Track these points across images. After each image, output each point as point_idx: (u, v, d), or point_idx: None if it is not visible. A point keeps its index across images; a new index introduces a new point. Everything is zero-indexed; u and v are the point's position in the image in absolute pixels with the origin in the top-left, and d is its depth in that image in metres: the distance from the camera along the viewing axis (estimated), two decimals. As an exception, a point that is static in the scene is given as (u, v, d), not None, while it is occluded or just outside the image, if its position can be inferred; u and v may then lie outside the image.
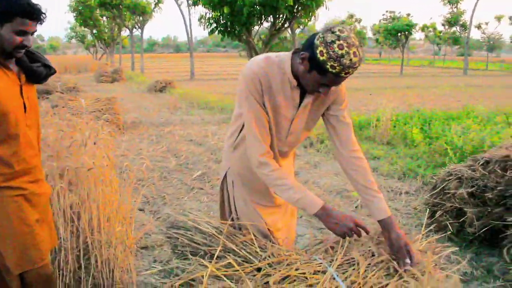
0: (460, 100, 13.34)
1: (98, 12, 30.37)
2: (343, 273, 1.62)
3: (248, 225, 1.96)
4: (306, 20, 11.77)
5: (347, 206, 4.23)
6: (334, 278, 1.59)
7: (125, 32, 32.98)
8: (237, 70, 31.89)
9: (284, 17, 10.97)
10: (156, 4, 27.87)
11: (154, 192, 4.42)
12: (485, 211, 3.09)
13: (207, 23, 10.94)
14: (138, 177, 4.27)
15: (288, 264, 1.71)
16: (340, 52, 1.52)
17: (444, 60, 58.34)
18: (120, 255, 2.44)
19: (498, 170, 3.12)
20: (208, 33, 11.29)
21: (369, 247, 1.74)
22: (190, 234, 1.98)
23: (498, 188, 3.05)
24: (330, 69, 1.55)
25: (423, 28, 47.02)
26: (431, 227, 3.26)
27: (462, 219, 3.19)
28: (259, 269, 1.72)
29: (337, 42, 1.52)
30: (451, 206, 3.30)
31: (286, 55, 1.76)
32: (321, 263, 1.69)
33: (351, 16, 55.73)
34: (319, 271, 1.65)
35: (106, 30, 33.69)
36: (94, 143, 2.49)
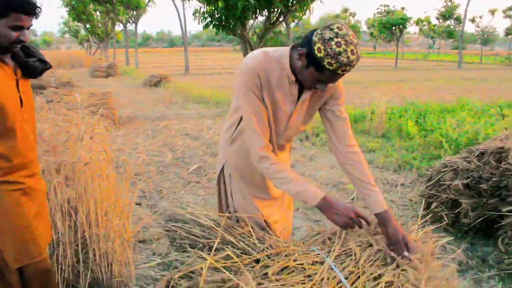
0: (454, 93, 13.38)
1: (91, 6, 30.12)
2: (341, 264, 1.64)
3: (245, 217, 1.97)
4: (301, 14, 11.77)
5: (343, 198, 4.25)
6: (332, 269, 1.60)
7: (119, 27, 32.74)
8: (232, 64, 31.79)
9: (279, 11, 10.94)
10: (150, -2, 27.70)
11: (151, 186, 4.42)
12: (480, 202, 3.13)
13: (202, 17, 10.88)
14: (134, 172, 4.26)
15: (286, 256, 1.72)
16: (337, 49, 1.52)
17: (439, 53, 58.51)
18: (118, 249, 2.45)
19: (493, 162, 3.15)
20: (203, 27, 11.23)
21: (366, 237, 1.76)
22: (188, 227, 1.99)
23: (493, 179, 3.08)
24: (327, 66, 1.56)
25: (418, 22, 47.09)
26: (427, 218, 3.27)
27: (457, 210, 3.22)
28: (257, 261, 1.73)
29: (335, 39, 1.53)
30: (446, 197, 3.33)
31: (284, 50, 1.76)
32: (319, 254, 1.71)
33: (346, 10, 55.69)
34: (317, 262, 1.67)
35: (100, 25, 33.41)
36: (91, 138, 2.49)
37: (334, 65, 1.54)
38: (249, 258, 1.74)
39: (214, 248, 1.75)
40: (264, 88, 1.76)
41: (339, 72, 1.57)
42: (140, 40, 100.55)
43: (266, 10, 10.85)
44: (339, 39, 1.53)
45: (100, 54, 35.44)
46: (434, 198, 3.44)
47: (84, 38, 43.87)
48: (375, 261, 1.64)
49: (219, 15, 10.52)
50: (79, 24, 35.95)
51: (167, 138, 6.98)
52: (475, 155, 3.31)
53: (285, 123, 1.88)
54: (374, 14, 42.59)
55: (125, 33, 30.69)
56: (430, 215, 3.35)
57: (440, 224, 3.21)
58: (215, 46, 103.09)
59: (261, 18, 11.50)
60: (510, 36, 51.62)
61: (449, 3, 41.44)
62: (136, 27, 29.13)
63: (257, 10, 10.69)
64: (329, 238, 1.84)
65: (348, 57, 1.53)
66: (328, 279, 1.56)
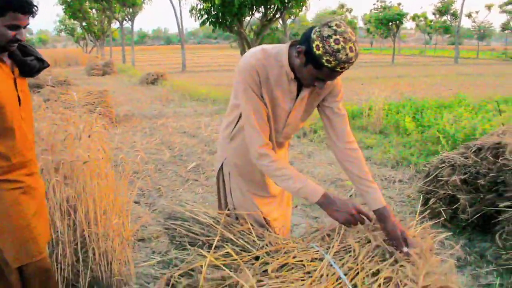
0: (451, 88, 13.41)
1: (87, 4, 30.00)
2: (340, 260, 1.65)
3: (245, 214, 1.98)
4: (297, 10, 11.75)
5: (341, 195, 4.26)
6: (331, 265, 1.61)
7: (115, 25, 32.59)
8: (229, 62, 31.75)
9: (276, 7, 10.93)
10: (146, -4, 27.59)
11: (149, 185, 4.42)
12: (478, 197, 3.14)
13: (198, 15, 10.87)
14: (133, 170, 4.27)
15: (285, 252, 1.73)
16: (336, 47, 1.52)
17: (435, 49, 58.48)
18: (118, 248, 2.45)
19: (490, 157, 3.16)
20: (199, 24, 11.22)
21: (365, 234, 1.76)
22: (188, 225, 2.00)
23: (490, 174, 3.09)
24: (325, 64, 1.56)
25: (414, 18, 47.13)
26: (425, 214, 3.29)
27: (455, 206, 3.24)
28: (257, 258, 1.74)
29: (334, 36, 1.52)
30: (444, 193, 3.34)
31: (283, 48, 1.76)
32: (318, 251, 1.71)
33: (342, 6, 55.53)
34: (316, 259, 1.68)
35: (96, 23, 33.24)
36: (89, 136, 2.49)
37: (333, 62, 1.54)
38: (249, 255, 1.74)
39: (213, 246, 1.76)
40: (263, 85, 1.76)
41: (338, 69, 1.57)
42: (137, 38, 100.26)
43: (262, 6, 10.85)
44: (338, 37, 1.52)
45: (97, 52, 35.27)
46: (432, 194, 3.45)
47: (80, 36, 43.69)
48: (373, 257, 1.64)
49: (215, 12, 10.52)
50: (75, 22, 35.78)
51: (164, 136, 6.98)
52: (473, 150, 3.32)
53: (284, 120, 1.88)
54: (371, 10, 42.64)
55: (121, 31, 30.59)
56: (428, 211, 3.36)
57: (438, 220, 3.22)
58: (212, 44, 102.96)
59: (257, 15, 11.52)
60: (506, 31, 51.71)
61: (445, -1, 41.49)
62: (132, 25, 29.00)
63: (254, 6, 10.69)
64: (328, 235, 1.85)
65: (346, 55, 1.53)
66: (327, 275, 1.57)
